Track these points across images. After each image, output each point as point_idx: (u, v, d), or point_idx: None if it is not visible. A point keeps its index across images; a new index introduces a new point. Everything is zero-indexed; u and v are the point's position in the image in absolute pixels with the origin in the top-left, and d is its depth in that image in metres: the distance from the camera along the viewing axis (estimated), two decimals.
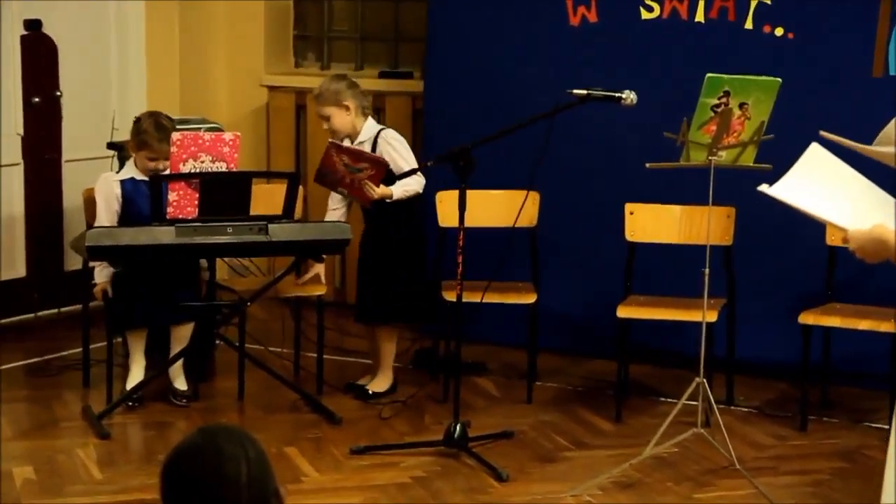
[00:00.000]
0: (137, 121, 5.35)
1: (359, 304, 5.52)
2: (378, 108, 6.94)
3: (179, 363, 5.39)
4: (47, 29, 6.56)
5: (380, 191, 5.26)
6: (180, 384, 5.39)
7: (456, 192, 4.85)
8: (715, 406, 4.82)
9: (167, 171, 5.07)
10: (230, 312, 5.54)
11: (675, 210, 5.51)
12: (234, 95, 7.22)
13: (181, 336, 5.38)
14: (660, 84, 5.76)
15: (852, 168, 3.08)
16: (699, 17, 5.83)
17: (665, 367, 5.89)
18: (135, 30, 7.00)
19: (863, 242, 2.96)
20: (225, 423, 2.23)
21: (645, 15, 5.92)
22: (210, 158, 5.01)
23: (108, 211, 5.24)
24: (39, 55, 6.55)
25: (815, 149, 3.12)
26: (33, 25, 6.51)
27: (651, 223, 5.52)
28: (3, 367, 5.88)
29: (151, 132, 5.21)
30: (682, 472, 4.78)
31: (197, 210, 5.00)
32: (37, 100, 6.55)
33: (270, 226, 5.06)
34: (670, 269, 5.69)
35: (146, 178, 5.21)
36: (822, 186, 3.04)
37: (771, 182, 3.07)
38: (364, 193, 5.25)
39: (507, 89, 6.14)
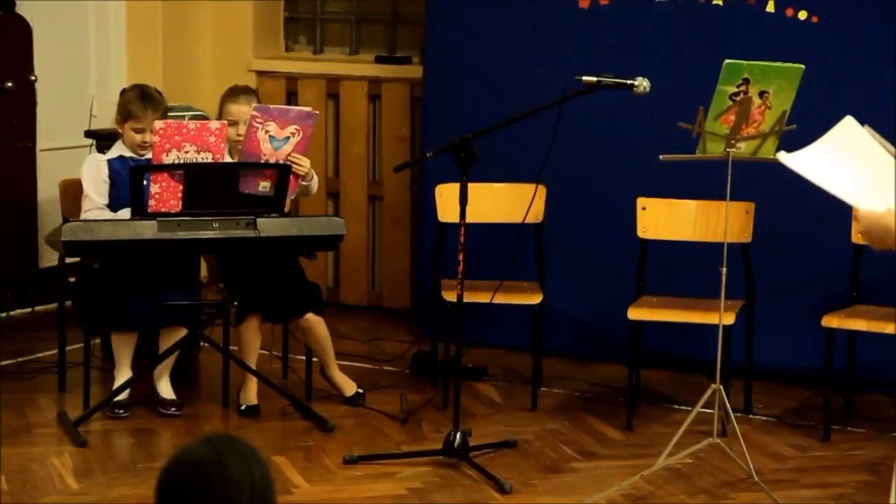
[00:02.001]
0: (123, 92, 5.46)
1: (273, 305, 5.45)
2: (374, 96, 6.97)
3: (166, 370, 5.37)
4: (21, 9, 6.55)
5: (308, 162, 5.24)
6: (166, 392, 5.36)
7: (457, 186, 4.85)
8: (732, 414, 4.83)
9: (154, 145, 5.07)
10: (215, 312, 5.54)
11: (691, 205, 5.51)
12: (221, 81, 7.17)
13: (170, 341, 5.35)
14: (675, 71, 5.77)
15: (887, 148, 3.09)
16: None
17: (679, 372, 5.89)
18: (115, 11, 7.01)
19: (870, 225, 2.97)
20: (233, 435, 2.22)
21: None
22: (195, 149, 5.01)
23: (97, 192, 5.24)
24: (12, 37, 6.54)
25: (847, 122, 3.12)
26: (6, 5, 6.51)
27: (665, 219, 5.52)
28: None
29: (135, 101, 5.30)
30: (697, 484, 4.78)
31: (181, 203, 5.00)
32: (10, 84, 6.54)
33: (259, 220, 5.06)
34: (685, 268, 5.70)
35: (135, 155, 5.25)
36: (846, 162, 3.05)
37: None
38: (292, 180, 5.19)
39: (511, 76, 6.14)
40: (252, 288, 5.39)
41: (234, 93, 5.52)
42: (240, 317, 5.43)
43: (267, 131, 5.07)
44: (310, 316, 5.45)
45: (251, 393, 5.42)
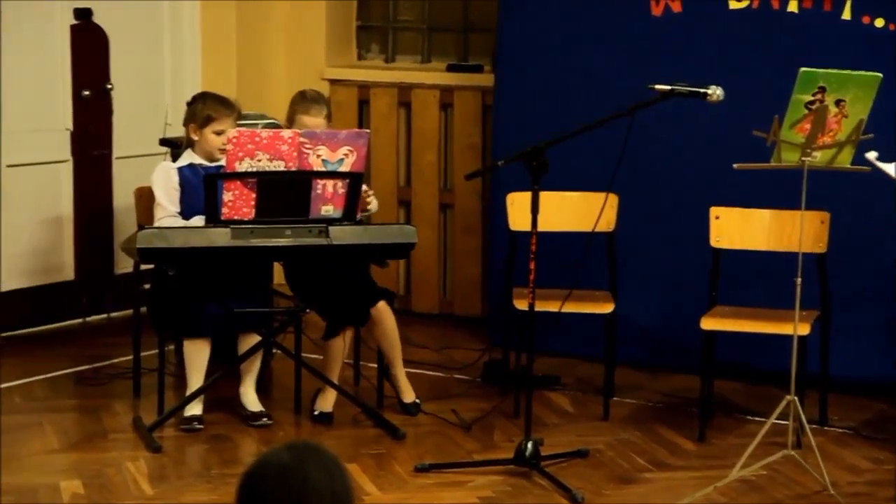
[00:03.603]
0: (193, 102, 5.48)
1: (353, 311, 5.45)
2: (446, 104, 6.98)
3: (251, 384, 5.41)
4: (98, 18, 6.65)
5: (372, 191, 5.29)
6: (253, 405, 5.37)
7: (528, 194, 4.84)
8: (807, 426, 4.78)
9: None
10: (287, 320, 5.57)
11: (765, 215, 5.47)
12: (294, 89, 7.20)
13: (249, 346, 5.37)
14: (749, 79, 5.72)
15: None
16: (792, 6, 5.79)
17: (753, 383, 5.84)
18: (190, 20, 7.08)
19: None
20: (317, 444, 2.24)
21: (733, 4, 5.88)
22: (267, 157, 5.04)
23: (169, 200, 5.28)
24: (90, 46, 6.64)
25: None
26: (83, 14, 6.60)
27: (738, 228, 5.48)
28: (51, 374, 5.96)
29: (213, 105, 5.36)
30: (771, 496, 4.74)
31: (254, 211, 5.04)
32: (87, 93, 6.64)
33: (331, 228, 5.09)
34: (759, 278, 5.65)
35: (206, 163, 5.29)
36: None
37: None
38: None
39: (583, 84, 6.13)
40: (332, 300, 5.40)
41: (306, 101, 5.52)
42: (333, 330, 5.43)
43: (318, 155, 5.05)
44: (381, 305, 5.45)
45: (328, 401, 5.43)
